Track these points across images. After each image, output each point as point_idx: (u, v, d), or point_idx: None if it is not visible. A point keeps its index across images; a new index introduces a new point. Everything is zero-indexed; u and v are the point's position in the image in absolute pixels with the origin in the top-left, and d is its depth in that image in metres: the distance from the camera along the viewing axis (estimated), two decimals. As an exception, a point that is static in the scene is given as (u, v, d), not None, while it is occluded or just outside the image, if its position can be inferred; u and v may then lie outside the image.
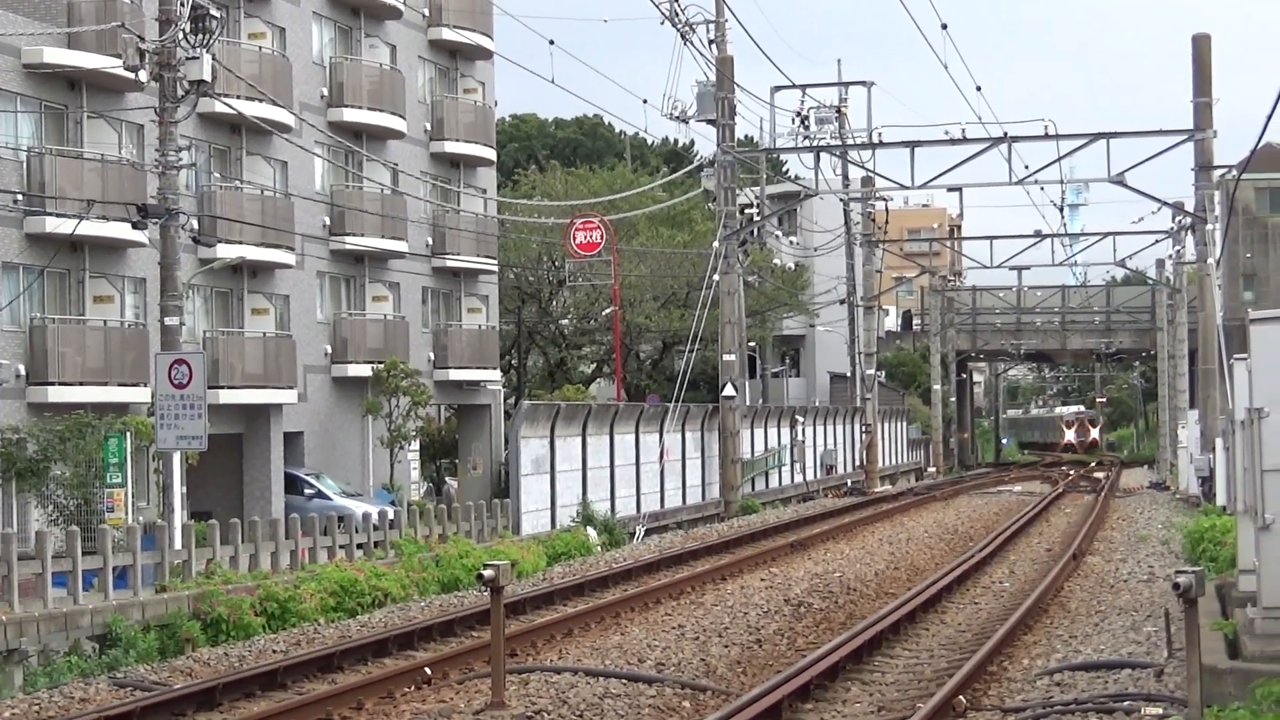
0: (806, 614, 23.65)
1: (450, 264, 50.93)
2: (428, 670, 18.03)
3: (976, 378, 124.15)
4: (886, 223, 68.64)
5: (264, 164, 42.86)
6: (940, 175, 44.47)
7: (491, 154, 54.24)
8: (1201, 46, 43.29)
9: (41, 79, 34.62)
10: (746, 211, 51.04)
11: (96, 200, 32.61)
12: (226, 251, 38.50)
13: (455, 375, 50.45)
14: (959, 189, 46.91)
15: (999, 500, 55.12)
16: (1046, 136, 42.95)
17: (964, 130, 43.63)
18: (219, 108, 36.79)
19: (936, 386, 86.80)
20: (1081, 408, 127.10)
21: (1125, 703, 14.97)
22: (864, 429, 66.01)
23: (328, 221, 45.41)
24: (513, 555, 29.29)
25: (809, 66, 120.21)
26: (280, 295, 43.34)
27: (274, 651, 20.85)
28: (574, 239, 50.95)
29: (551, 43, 47.75)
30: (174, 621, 21.89)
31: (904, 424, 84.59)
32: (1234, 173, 49.64)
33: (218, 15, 28.35)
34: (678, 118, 48.70)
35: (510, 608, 22.19)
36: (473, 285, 53.25)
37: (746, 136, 67.42)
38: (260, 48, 41.97)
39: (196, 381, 26.17)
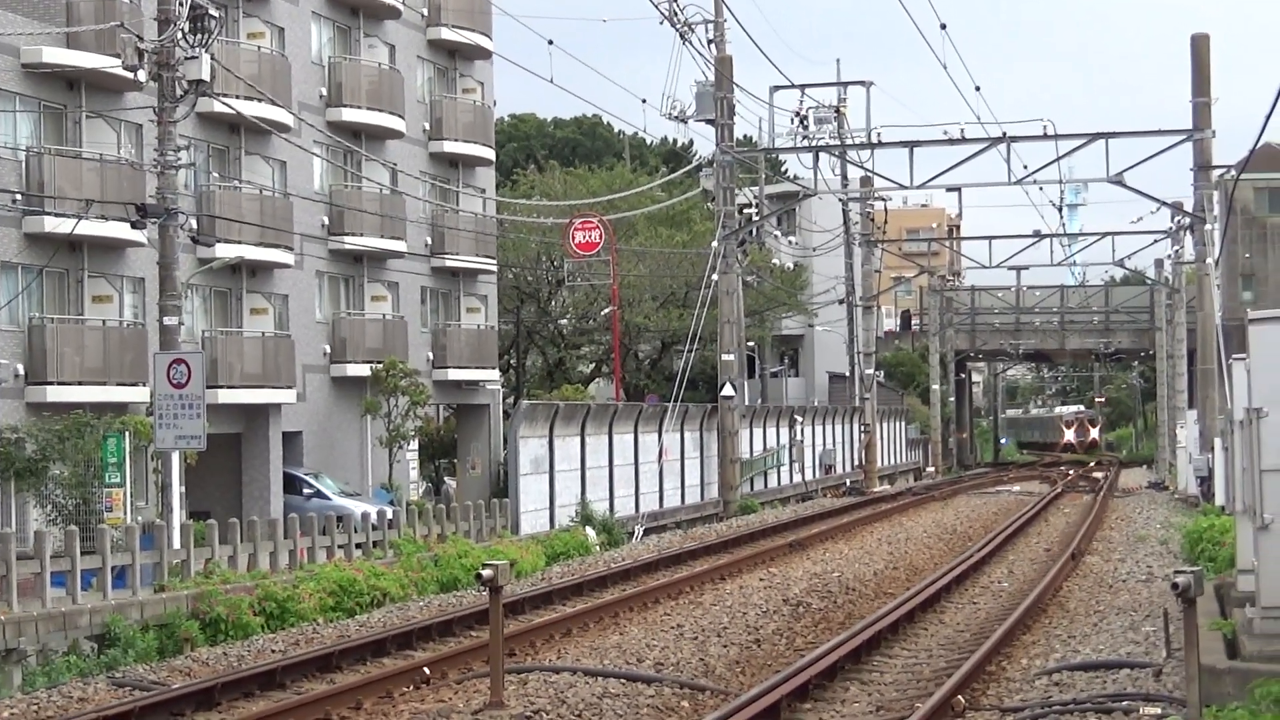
0: (805, 614, 23.66)
1: (449, 264, 50.91)
2: (426, 670, 18.04)
3: (975, 377, 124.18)
4: (885, 222, 68.72)
5: (263, 164, 42.86)
6: (939, 175, 44.53)
7: (490, 154, 54.23)
8: (1200, 46, 43.34)
9: (40, 78, 34.61)
10: (745, 211, 51.04)
11: (95, 200, 32.58)
12: (225, 251, 38.48)
13: (454, 375, 50.43)
14: (958, 189, 46.96)
15: (997, 500, 55.14)
16: (1045, 136, 42.97)
17: (963, 130, 43.68)
18: (218, 107, 36.77)
19: (935, 386, 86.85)
20: (1081, 407, 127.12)
21: (1124, 702, 14.98)
22: (863, 429, 66.05)
23: (326, 221, 45.40)
24: (511, 555, 29.31)
25: (808, 66, 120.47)
26: (279, 295, 43.34)
27: (273, 651, 20.85)
28: (573, 239, 50.95)
29: (550, 42, 47.82)
30: (172, 621, 21.90)
31: (903, 424, 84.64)
32: (1233, 173, 49.65)
33: (216, 15, 28.37)
34: (677, 117, 48.76)
35: (509, 607, 22.19)
36: (471, 285, 53.24)
37: (745, 136, 67.46)
38: (259, 47, 41.95)
39: (195, 381, 26.17)
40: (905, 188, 46.38)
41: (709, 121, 48.22)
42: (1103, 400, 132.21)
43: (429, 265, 50.34)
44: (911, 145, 43.87)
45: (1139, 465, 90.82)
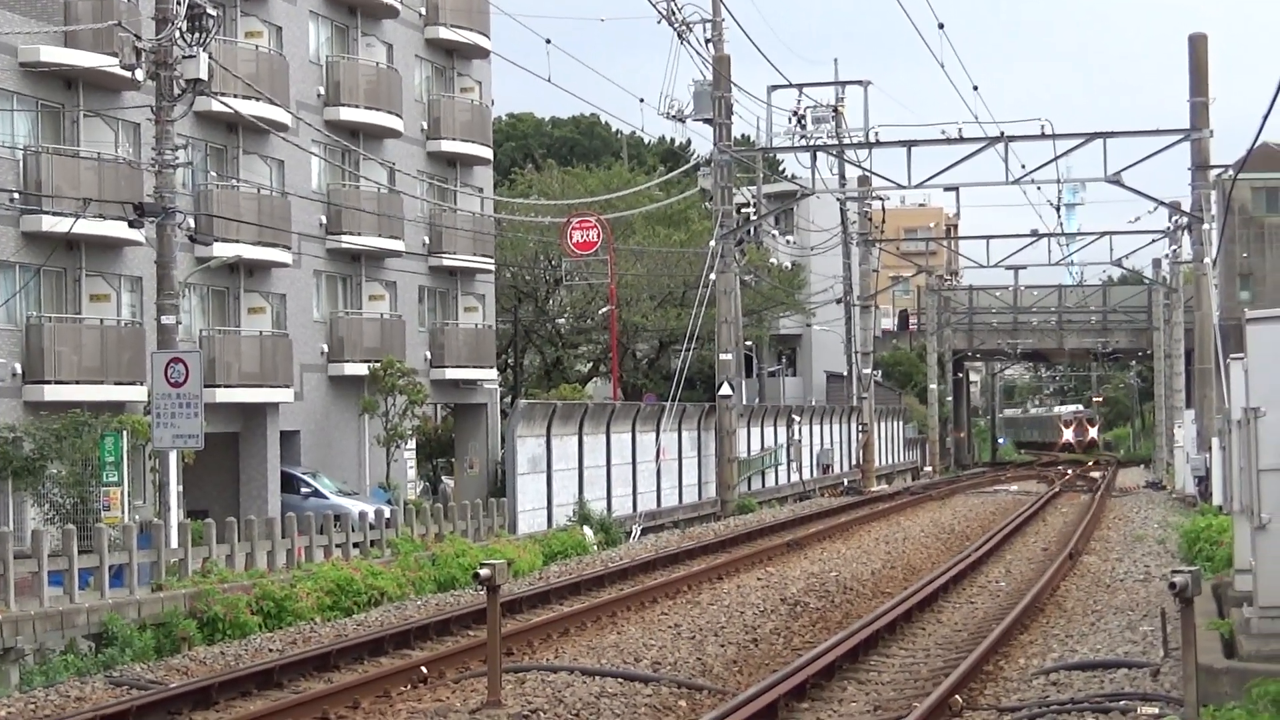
0: (803, 613, 23.66)
1: (447, 263, 50.90)
2: (424, 669, 18.04)
3: (973, 377, 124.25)
4: (883, 222, 68.74)
5: (261, 163, 42.84)
6: (937, 175, 44.58)
7: (488, 153, 54.22)
8: (1198, 46, 43.36)
9: (38, 77, 34.60)
10: (743, 211, 51.09)
11: (93, 199, 32.56)
12: (223, 250, 38.48)
13: (452, 374, 50.42)
14: (956, 188, 46.97)
15: (995, 500, 55.15)
16: (1043, 136, 43.00)
17: (961, 130, 43.70)
18: (216, 106, 36.75)
19: (933, 386, 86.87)
20: (1080, 407, 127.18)
21: (1121, 702, 14.99)
22: (860, 428, 66.05)
23: (324, 220, 45.39)
24: (509, 554, 29.32)
25: (806, 66, 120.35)
26: (277, 294, 43.33)
27: (270, 650, 20.85)
28: (570, 238, 50.93)
29: (548, 42, 47.82)
30: (170, 620, 21.89)
31: (900, 423, 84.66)
32: (1231, 172, 49.66)
33: (214, 14, 28.35)
34: (674, 117, 48.74)
35: (506, 607, 22.20)
36: (469, 284, 53.22)
37: (743, 136, 67.41)
38: (257, 46, 41.93)
39: (193, 380, 26.17)
40: (903, 187, 46.41)
41: (707, 121, 48.20)
42: (1100, 400, 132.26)
43: (427, 264, 50.33)
44: (909, 145, 43.88)
45: (1136, 465, 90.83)
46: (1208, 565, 23.72)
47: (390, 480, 44.21)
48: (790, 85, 55.63)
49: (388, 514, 31.10)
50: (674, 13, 44.72)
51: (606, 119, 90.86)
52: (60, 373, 34.51)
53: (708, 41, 47.33)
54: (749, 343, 67.37)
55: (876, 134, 47.05)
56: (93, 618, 21.29)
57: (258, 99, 38.04)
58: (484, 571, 16.20)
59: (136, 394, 34.98)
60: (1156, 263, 76.91)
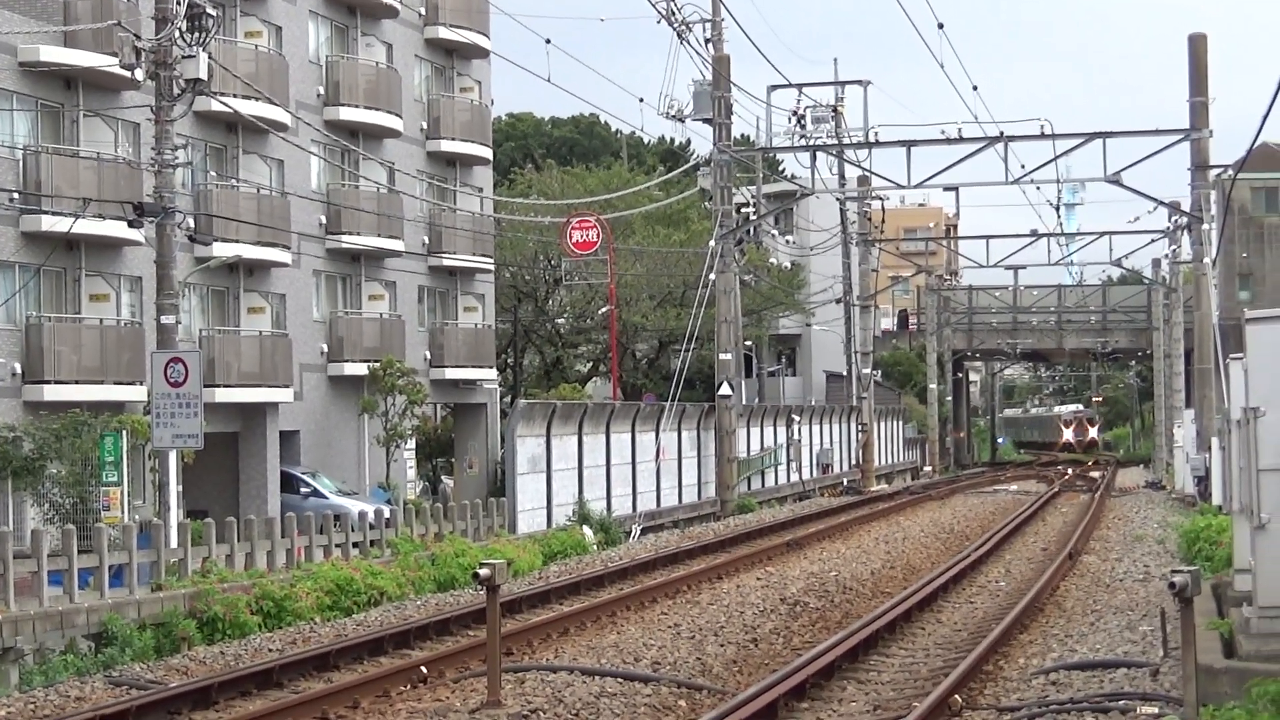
0: (802, 613, 23.66)
1: (446, 263, 50.90)
2: (424, 669, 18.04)
3: (973, 377, 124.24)
4: (883, 222, 68.72)
5: (260, 162, 42.84)
6: (936, 175, 44.59)
7: (488, 153, 54.21)
8: (1198, 46, 43.36)
9: (38, 77, 34.59)
10: (743, 210, 51.06)
11: (92, 199, 32.57)
12: (223, 250, 38.48)
13: (451, 374, 50.42)
14: (955, 188, 47.04)
15: (995, 499, 55.15)
16: (1043, 136, 43.00)
17: (960, 130, 43.72)
18: (215, 106, 36.74)
19: (932, 386, 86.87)
20: (1080, 406, 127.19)
21: (1121, 702, 14.98)
22: (860, 428, 66.05)
23: (324, 220, 45.39)
24: (509, 554, 29.32)
25: (806, 66, 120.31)
26: (276, 294, 43.33)
27: (270, 650, 20.85)
28: (570, 238, 50.92)
29: (548, 41, 47.71)
30: (170, 620, 21.89)
31: (900, 423, 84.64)
32: (1230, 172, 49.67)
33: (214, 14, 28.34)
34: (674, 117, 48.74)
35: (506, 607, 22.20)
36: (469, 284, 53.23)
37: (743, 136, 67.38)
38: (256, 46, 41.93)
39: (192, 380, 26.17)
40: (903, 187, 46.41)
41: (706, 121, 48.20)
42: (1100, 400, 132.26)
43: (426, 264, 50.34)
44: (909, 145, 43.88)
45: (1136, 465, 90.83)
46: (1207, 565, 23.72)
47: (390, 480, 44.21)
48: (790, 85, 55.69)
49: (387, 514, 31.09)
50: (674, 13, 44.73)
51: (606, 119, 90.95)
52: (60, 373, 34.51)
53: (707, 41, 47.34)
54: (749, 343, 67.37)
55: (876, 134, 47.09)
56: (92, 617, 21.29)
57: (257, 99, 38.04)
58: (483, 571, 16.20)
59: (136, 394, 34.98)
60: (1156, 263, 76.94)
